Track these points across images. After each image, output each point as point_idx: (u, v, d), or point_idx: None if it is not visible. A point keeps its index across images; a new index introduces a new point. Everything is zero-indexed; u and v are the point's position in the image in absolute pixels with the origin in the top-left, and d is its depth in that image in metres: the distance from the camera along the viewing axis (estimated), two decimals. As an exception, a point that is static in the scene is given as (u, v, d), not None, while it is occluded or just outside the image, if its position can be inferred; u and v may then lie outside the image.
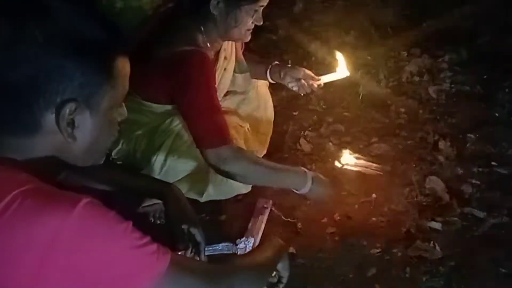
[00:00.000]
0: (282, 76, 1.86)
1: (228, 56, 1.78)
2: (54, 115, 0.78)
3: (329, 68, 1.90)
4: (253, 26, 1.61)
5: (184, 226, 1.32)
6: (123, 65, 0.85)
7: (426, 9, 2.83)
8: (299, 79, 1.83)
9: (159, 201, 1.68)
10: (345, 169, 1.88)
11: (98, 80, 0.80)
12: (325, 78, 1.83)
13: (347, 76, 1.81)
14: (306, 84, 1.81)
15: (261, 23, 1.61)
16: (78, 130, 0.80)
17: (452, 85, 2.45)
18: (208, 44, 1.61)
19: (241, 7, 1.54)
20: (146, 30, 1.69)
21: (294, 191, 1.66)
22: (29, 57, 0.75)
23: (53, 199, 0.73)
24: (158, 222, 1.78)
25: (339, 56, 1.80)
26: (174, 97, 1.61)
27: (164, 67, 1.55)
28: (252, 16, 1.58)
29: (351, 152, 1.94)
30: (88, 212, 0.72)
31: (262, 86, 2.03)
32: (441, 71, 2.53)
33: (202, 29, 1.59)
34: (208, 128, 1.56)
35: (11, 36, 0.75)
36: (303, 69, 1.85)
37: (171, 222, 1.33)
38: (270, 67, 1.90)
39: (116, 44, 0.83)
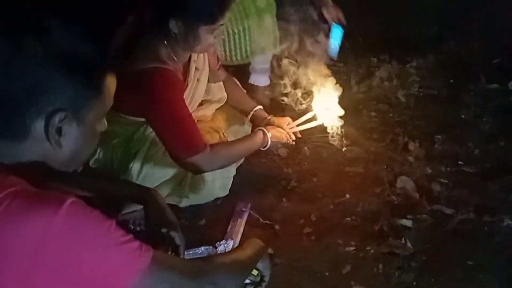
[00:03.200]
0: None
1: (200, 67, 1.81)
2: (44, 122, 0.83)
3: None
4: (215, 40, 1.64)
5: (164, 230, 1.34)
6: (110, 82, 0.92)
7: (394, 18, 2.93)
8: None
9: (138, 208, 1.72)
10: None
11: (87, 95, 0.87)
12: (300, 127, 1.93)
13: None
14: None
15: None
16: (64, 138, 0.86)
17: (420, 89, 2.55)
18: (174, 57, 1.63)
19: (199, 28, 1.56)
20: (118, 43, 1.69)
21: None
22: (28, 70, 0.80)
23: (40, 199, 0.76)
24: (138, 229, 1.80)
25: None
26: (143, 114, 1.66)
27: (131, 84, 1.55)
28: (213, 33, 1.59)
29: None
30: (74, 211, 0.76)
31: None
32: (410, 76, 2.63)
33: (166, 43, 1.60)
34: (178, 141, 1.61)
35: (12, 50, 0.80)
36: (279, 129, 1.88)
37: (150, 226, 1.36)
38: (251, 114, 1.98)
39: (105, 63, 0.90)
